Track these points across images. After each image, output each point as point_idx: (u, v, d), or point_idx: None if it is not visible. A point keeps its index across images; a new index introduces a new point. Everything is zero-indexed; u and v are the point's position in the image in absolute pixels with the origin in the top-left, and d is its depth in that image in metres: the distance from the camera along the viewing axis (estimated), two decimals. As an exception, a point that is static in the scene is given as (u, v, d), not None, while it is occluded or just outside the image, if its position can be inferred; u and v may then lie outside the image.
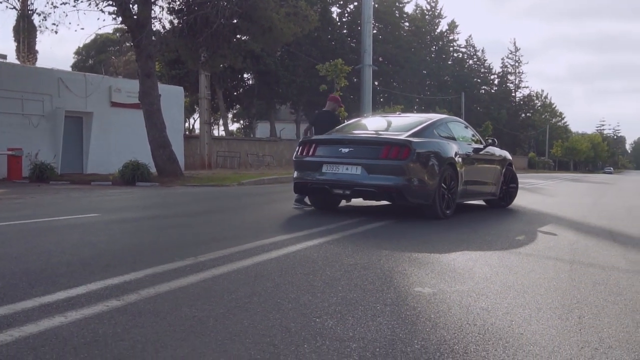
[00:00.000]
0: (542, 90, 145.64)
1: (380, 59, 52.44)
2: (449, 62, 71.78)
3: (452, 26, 71.07)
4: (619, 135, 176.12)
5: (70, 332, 2.74)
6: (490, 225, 7.64)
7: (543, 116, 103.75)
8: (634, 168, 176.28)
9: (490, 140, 9.87)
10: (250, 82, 43.71)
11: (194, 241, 5.61)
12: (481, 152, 9.34)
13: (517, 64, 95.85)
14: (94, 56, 56.75)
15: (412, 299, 3.58)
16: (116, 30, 55.08)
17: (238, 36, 22.50)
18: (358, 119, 10.24)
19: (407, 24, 62.22)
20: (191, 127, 53.68)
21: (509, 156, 10.57)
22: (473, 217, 8.75)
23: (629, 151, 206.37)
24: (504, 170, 10.07)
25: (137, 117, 23.58)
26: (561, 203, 12.20)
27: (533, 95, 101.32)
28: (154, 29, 20.35)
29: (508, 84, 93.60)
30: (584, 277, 4.40)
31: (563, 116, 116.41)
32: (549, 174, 52.47)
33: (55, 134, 22.26)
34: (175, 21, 21.19)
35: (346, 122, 9.97)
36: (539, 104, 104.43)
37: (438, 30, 69.01)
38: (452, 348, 2.70)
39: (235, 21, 20.71)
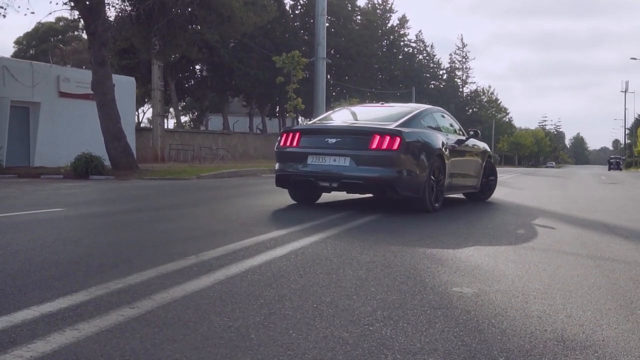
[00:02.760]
0: (489, 87, 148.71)
1: (332, 51, 52.14)
2: (400, 57, 72.04)
3: (403, 21, 71.33)
4: (560, 130, 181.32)
5: (91, 351, 2.27)
6: (483, 219, 7.38)
7: (489, 112, 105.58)
8: (574, 163, 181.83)
9: (472, 132, 9.62)
10: (204, 73, 42.71)
11: (184, 237, 5.12)
12: (464, 144, 9.08)
13: (464, 60, 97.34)
14: (36, 46, 54.48)
15: (458, 301, 3.22)
16: (59, 19, 53.17)
17: (194, 25, 21.76)
18: (339, 108, 9.68)
19: (359, 17, 62.08)
20: (140, 119, 52.33)
21: (488, 148, 10.39)
22: (460, 210, 8.49)
23: (568, 146, 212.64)
24: (484, 162, 9.87)
25: (87, 108, 22.66)
26: (533, 195, 12.11)
27: (480, 91, 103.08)
28: (108, 16, 19.45)
29: (456, 80, 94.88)
30: (616, 273, 4.13)
31: (508, 112, 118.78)
32: (501, 168, 53.26)
33: (0, 124, 21.09)
34: (129, 8, 20.34)
35: (327, 112, 9.42)
36: (485, 100, 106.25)
37: (389, 25, 69.10)
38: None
39: (192, 9, 19.98)
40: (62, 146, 22.14)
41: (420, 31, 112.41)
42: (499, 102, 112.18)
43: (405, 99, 62.79)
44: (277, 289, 3.32)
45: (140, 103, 44.32)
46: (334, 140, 7.49)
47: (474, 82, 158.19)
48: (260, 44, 42.29)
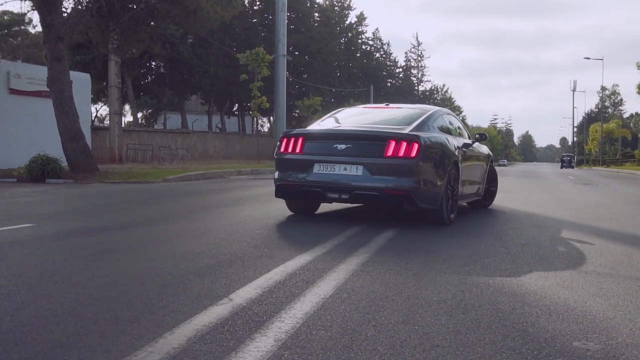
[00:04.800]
0: (443, 85, 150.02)
1: (292, 48, 51.16)
2: (358, 55, 71.59)
3: (361, 18, 70.86)
4: (510, 128, 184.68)
5: None
6: (507, 232, 6.71)
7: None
8: (522, 160, 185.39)
9: (478, 136, 8.90)
10: (161, 70, 41.17)
11: (196, 266, 4.26)
12: (471, 148, 8.40)
13: (419, 58, 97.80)
14: (-22, 41, 51.83)
15: (597, 367, 2.50)
16: (4, 12, 50.76)
17: (158, 19, 20.57)
18: (338, 110, 8.88)
19: (317, 14, 61.27)
20: (94, 117, 50.14)
21: (490, 152, 9.78)
22: (471, 221, 7.83)
23: (517, 144, 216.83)
24: (488, 167, 9.27)
25: (40, 106, 21.35)
26: (525, 200, 11.59)
27: (434, 89, 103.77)
28: (65, 8, 18.19)
29: (412, 78, 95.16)
30: None
31: (461, 110, 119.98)
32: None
33: (-55, 124, 19.60)
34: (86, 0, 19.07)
35: (328, 114, 8.58)
36: (439, 98, 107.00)
37: (347, 22, 68.54)
38: None
39: (155, 2, 18.84)
40: (13, 147, 20.76)
41: (377, 29, 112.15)
42: (452, 100, 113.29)
43: (363, 97, 62.42)
44: (361, 354, 2.54)
45: (94, 101, 42.53)
46: (343, 147, 6.69)
47: (429, 81, 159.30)
48: (219, 41, 41.09)
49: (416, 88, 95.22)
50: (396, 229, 6.55)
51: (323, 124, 7.91)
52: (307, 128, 7.62)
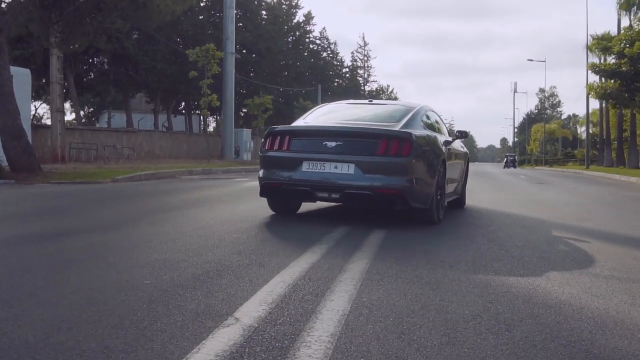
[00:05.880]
0: (388, 86, 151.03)
1: (239, 47, 50.21)
2: (305, 54, 71.06)
3: (309, 17, 70.31)
4: (452, 129, 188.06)
5: None
6: (498, 234, 6.37)
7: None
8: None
9: (458, 133, 8.66)
10: (105, 66, 39.62)
11: (184, 278, 3.72)
12: (452, 146, 8.10)
13: (366, 58, 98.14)
14: None
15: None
16: None
17: (104, 12, 19.57)
18: (320, 106, 8.46)
19: (265, 12, 60.45)
20: (32, 115, 47.95)
21: (467, 151, 9.54)
22: (456, 222, 7.48)
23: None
24: (465, 166, 9.02)
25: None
26: (495, 200, 11.40)
27: (380, 90, 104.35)
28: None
29: (358, 78, 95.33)
30: None
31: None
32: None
33: None
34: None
35: (309, 111, 8.11)
36: (385, 99, 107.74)
37: (295, 21, 67.88)
38: None
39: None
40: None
41: (324, 28, 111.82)
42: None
43: (311, 96, 62.04)
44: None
45: (33, 98, 40.71)
46: (334, 144, 6.34)
47: (375, 81, 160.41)
48: (166, 37, 39.94)
49: (362, 88, 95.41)
50: (383, 230, 6.14)
51: (308, 120, 7.47)
52: (293, 125, 7.25)
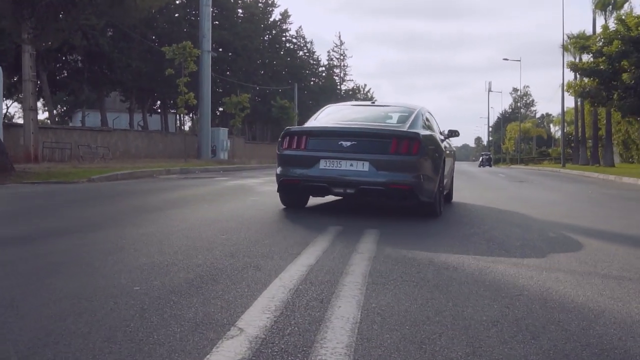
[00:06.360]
0: (365, 85, 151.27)
1: (215, 45, 49.67)
2: (282, 53, 70.66)
3: (285, 16, 69.95)
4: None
5: None
6: (493, 233, 6.20)
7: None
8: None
9: (448, 132, 9.04)
10: (79, 64, 38.81)
11: (177, 284, 3.46)
12: (444, 144, 8.48)
13: (342, 57, 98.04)
14: None
15: None
16: None
17: (79, 8, 19.09)
18: (326, 107, 8.79)
19: (241, 10, 59.95)
20: (3, 114, 46.89)
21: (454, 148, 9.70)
22: (448, 220, 7.32)
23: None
24: (453, 163, 9.15)
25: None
26: (481, 198, 11.27)
27: (356, 89, 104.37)
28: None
29: (334, 77, 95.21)
30: None
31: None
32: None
33: None
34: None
35: (317, 112, 8.43)
36: (361, 98, 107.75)
37: (271, 19, 67.43)
38: None
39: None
40: None
41: (300, 27, 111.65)
42: (374, 100, 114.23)
43: (288, 95, 61.68)
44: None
45: (5, 96, 39.80)
46: (349, 144, 6.87)
47: (352, 80, 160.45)
48: (141, 34, 39.31)
49: (339, 87, 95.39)
50: (375, 230, 5.95)
51: (319, 121, 7.93)
52: (310, 126, 7.65)
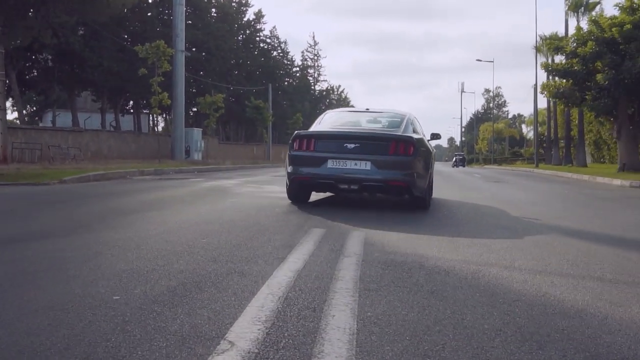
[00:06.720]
0: (339, 85, 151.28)
1: (189, 45, 49.09)
2: (256, 53, 70.16)
3: (259, 15, 69.49)
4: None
5: None
6: (479, 235, 6.11)
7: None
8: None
9: (432, 135, 9.92)
10: (49, 63, 38.00)
11: (158, 293, 3.27)
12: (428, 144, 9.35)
13: (316, 58, 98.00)
14: None
15: None
16: None
17: (49, 5, 18.62)
18: (325, 113, 9.71)
19: (214, 9, 59.40)
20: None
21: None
22: (435, 222, 7.21)
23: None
24: (433, 162, 9.93)
25: None
26: (463, 197, 11.20)
27: (330, 89, 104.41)
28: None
29: (308, 77, 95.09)
30: None
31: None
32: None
33: None
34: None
35: (318, 119, 9.37)
36: (335, 98, 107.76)
37: (245, 19, 66.94)
38: None
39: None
40: None
41: (274, 27, 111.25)
42: (348, 100, 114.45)
43: (262, 95, 61.23)
44: None
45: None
46: (353, 146, 7.77)
47: (326, 80, 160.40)
48: (113, 33, 38.67)
49: (313, 87, 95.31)
50: (358, 232, 5.82)
51: (322, 126, 8.73)
52: (317, 130, 8.48)
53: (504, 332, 2.73)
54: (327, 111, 10.07)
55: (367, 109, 9.85)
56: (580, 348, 2.54)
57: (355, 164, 7.67)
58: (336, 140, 7.96)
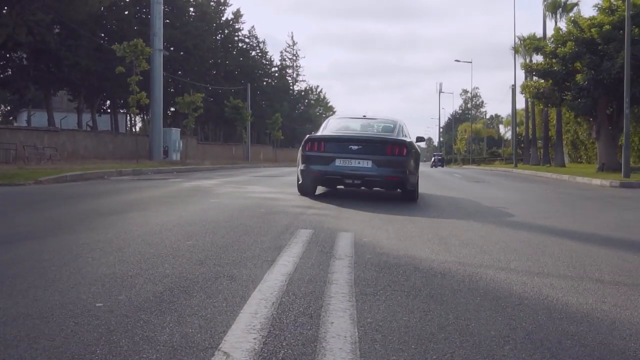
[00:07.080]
0: (317, 86, 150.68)
1: (167, 44, 48.58)
2: (234, 52, 69.69)
3: (237, 15, 68.96)
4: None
5: None
6: (470, 235, 5.99)
7: (317, 110, 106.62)
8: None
9: (418, 137, 11.79)
10: (25, 62, 37.27)
11: (145, 299, 3.09)
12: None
13: (294, 58, 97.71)
14: None
15: None
16: None
17: (22, 2, 18.23)
18: (327, 120, 11.34)
19: (192, 9, 58.88)
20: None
21: (419, 150, 11.99)
22: (424, 222, 7.08)
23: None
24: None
25: None
26: (450, 198, 11.12)
27: (309, 90, 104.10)
28: None
29: (287, 77, 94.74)
30: None
31: (334, 110, 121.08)
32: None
33: None
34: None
35: (323, 125, 10.84)
36: (313, 99, 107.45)
37: (224, 18, 66.44)
38: None
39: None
40: None
41: (253, 27, 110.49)
42: (327, 101, 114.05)
43: (241, 95, 60.80)
44: None
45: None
46: (356, 147, 9.20)
47: (304, 81, 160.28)
48: (90, 32, 38.09)
49: (292, 88, 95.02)
50: (346, 232, 5.67)
51: (329, 131, 10.23)
52: (326, 134, 9.90)
53: (513, 338, 2.60)
54: (329, 118, 12.09)
55: (364, 116, 11.36)
56: (593, 355, 2.41)
57: (359, 163, 9.10)
58: (342, 143, 9.38)
